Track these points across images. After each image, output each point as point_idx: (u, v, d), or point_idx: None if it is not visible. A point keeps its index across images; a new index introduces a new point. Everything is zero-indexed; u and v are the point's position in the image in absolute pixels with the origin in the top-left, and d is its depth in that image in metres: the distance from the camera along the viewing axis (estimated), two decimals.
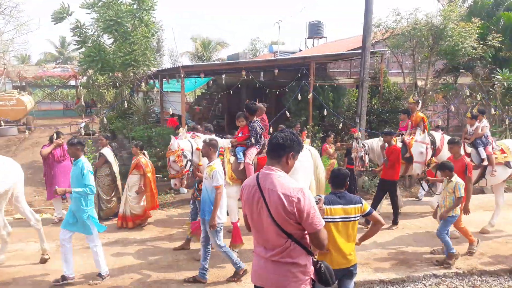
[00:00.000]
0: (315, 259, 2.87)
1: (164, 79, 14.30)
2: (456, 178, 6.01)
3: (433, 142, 7.80)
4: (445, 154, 7.85)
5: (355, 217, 3.92)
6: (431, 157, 7.92)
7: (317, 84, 12.31)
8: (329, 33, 68.44)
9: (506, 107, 12.24)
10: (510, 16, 11.61)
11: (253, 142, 6.59)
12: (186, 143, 6.63)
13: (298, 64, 12.69)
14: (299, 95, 11.58)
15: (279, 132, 2.89)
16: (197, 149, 6.53)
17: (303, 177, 6.42)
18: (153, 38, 13.09)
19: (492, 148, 7.74)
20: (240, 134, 6.77)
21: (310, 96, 11.51)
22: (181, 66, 11.33)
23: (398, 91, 12.90)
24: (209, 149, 5.47)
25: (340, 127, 11.53)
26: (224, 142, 6.76)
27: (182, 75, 10.83)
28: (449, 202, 6.04)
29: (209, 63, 21.23)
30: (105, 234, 7.15)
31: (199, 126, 8.74)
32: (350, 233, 3.94)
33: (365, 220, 5.83)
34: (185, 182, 6.74)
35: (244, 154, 6.56)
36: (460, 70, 12.57)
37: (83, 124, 16.29)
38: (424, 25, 10.29)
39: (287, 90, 12.24)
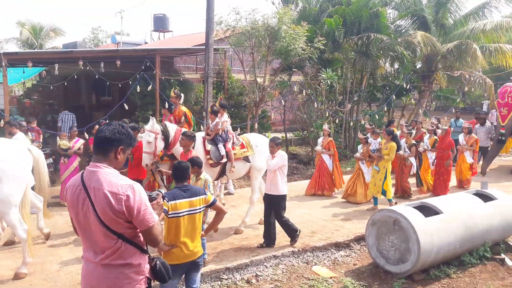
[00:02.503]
0: (150, 257, 2.80)
1: None
2: (205, 175, 5.55)
3: (164, 133, 6.98)
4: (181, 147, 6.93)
5: (200, 208, 4.00)
6: (165, 149, 7.18)
7: (163, 78, 12.19)
8: (175, 27, 68.13)
9: (330, 102, 14.02)
10: (331, 22, 13.25)
11: None
12: None
13: (143, 57, 12.36)
14: (142, 88, 11.30)
15: (106, 125, 2.70)
16: None
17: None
18: None
19: (233, 143, 7.65)
20: None
21: (149, 88, 11.30)
22: (2, 53, 9.96)
23: (241, 87, 13.63)
24: None
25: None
26: None
27: (4, 64, 9.55)
28: None
29: (38, 51, 19.02)
30: None
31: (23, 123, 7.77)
32: (197, 225, 4.00)
33: None
34: None
35: None
36: (293, 69, 13.87)
37: None
38: (261, 26, 11.00)
39: (130, 82, 11.81)
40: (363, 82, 14.86)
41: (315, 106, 13.20)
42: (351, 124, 14.13)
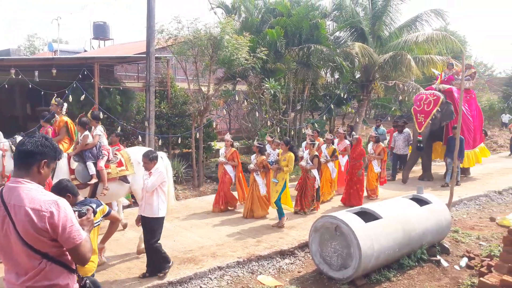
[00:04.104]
0: (80, 276, 2.67)
1: None
2: None
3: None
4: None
5: (100, 220, 3.93)
6: None
7: (102, 87, 11.75)
8: (116, 35, 66.39)
9: (274, 111, 14.21)
10: (273, 33, 13.47)
11: None
12: None
13: (81, 65, 11.85)
14: (78, 97, 10.80)
15: (29, 137, 2.55)
16: None
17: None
18: None
19: (108, 161, 6.77)
20: None
21: (82, 97, 10.79)
22: None
23: (185, 96, 13.45)
24: None
25: (118, 130, 11.20)
26: None
27: None
28: None
29: None
30: None
31: None
32: (96, 238, 3.97)
33: None
34: None
35: None
36: (237, 78, 13.93)
37: None
38: (204, 35, 10.91)
39: (67, 92, 11.26)
40: (305, 91, 15.22)
41: (257, 115, 13.32)
42: (292, 132, 14.39)
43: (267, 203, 8.85)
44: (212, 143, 14.18)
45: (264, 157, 8.96)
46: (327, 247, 6.08)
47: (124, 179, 6.75)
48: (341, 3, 16.39)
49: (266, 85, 12.55)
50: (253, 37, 12.92)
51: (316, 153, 9.36)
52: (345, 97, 15.74)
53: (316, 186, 9.21)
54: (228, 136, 9.71)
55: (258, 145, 9.07)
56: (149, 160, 5.68)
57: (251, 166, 8.93)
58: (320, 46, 13.92)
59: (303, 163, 9.15)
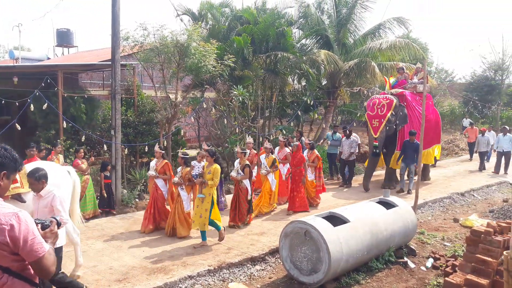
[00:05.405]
0: None
1: None
2: None
3: None
4: None
5: None
6: None
7: (65, 95, 11.44)
8: (80, 43, 65.14)
9: (243, 118, 14.23)
10: (240, 41, 13.55)
11: None
12: None
13: (43, 73, 11.52)
14: (40, 106, 10.49)
15: None
16: None
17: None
18: None
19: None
20: None
21: (45, 106, 10.46)
22: None
23: (152, 104, 13.28)
24: None
25: (82, 139, 10.93)
26: None
27: None
28: None
29: None
30: None
31: None
32: None
33: None
34: None
35: None
36: (205, 86, 13.89)
37: None
38: (170, 42, 10.84)
39: (29, 100, 10.91)
40: (273, 98, 15.37)
41: (226, 122, 13.31)
42: (261, 139, 14.46)
43: (190, 222, 7.93)
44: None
45: (189, 169, 8.08)
46: (297, 252, 6.11)
47: (18, 197, 5.86)
48: (306, 11, 16.69)
49: (235, 92, 12.57)
50: (221, 44, 12.95)
51: (247, 162, 8.80)
52: (312, 103, 15.96)
53: (249, 198, 8.69)
54: (157, 147, 8.72)
55: (182, 156, 8.13)
56: (36, 180, 4.81)
57: (175, 179, 8.04)
58: (286, 53, 14.10)
59: (233, 173, 8.68)
